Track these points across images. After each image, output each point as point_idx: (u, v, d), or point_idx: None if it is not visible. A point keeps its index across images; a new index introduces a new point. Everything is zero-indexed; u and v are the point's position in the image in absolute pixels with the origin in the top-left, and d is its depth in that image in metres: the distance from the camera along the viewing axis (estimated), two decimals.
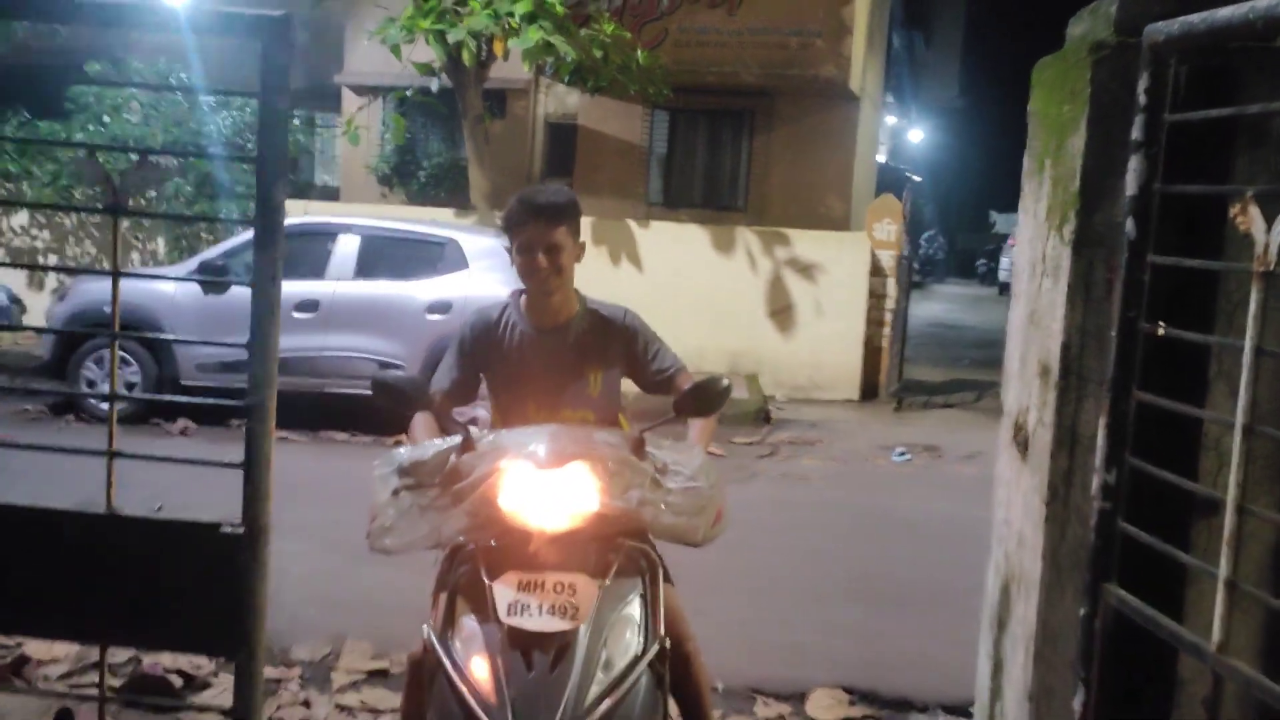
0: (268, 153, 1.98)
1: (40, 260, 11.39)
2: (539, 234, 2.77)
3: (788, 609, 5.01)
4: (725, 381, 2.61)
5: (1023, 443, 2.29)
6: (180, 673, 3.89)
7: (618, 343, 2.96)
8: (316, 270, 8.40)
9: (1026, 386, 2.30)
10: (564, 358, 2.89)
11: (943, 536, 6.33)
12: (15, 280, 11.83)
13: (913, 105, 29.08)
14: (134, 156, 2.19)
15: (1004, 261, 30.47)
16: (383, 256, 8.51)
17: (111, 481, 2.08)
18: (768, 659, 4.40)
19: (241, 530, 1.98)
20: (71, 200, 11.29)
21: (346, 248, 8.40)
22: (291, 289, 8.30)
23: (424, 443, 2.63)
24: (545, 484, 2.41)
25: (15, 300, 11.69)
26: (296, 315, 8.20)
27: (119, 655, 3.99)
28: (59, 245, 11.57)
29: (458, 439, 2.55)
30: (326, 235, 8.58)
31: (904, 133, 29.64)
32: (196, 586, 2.02)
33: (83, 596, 2.05)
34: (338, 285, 8.31)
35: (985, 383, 12.62)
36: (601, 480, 2.42)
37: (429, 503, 2.48)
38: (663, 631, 2.43)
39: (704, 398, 2.61)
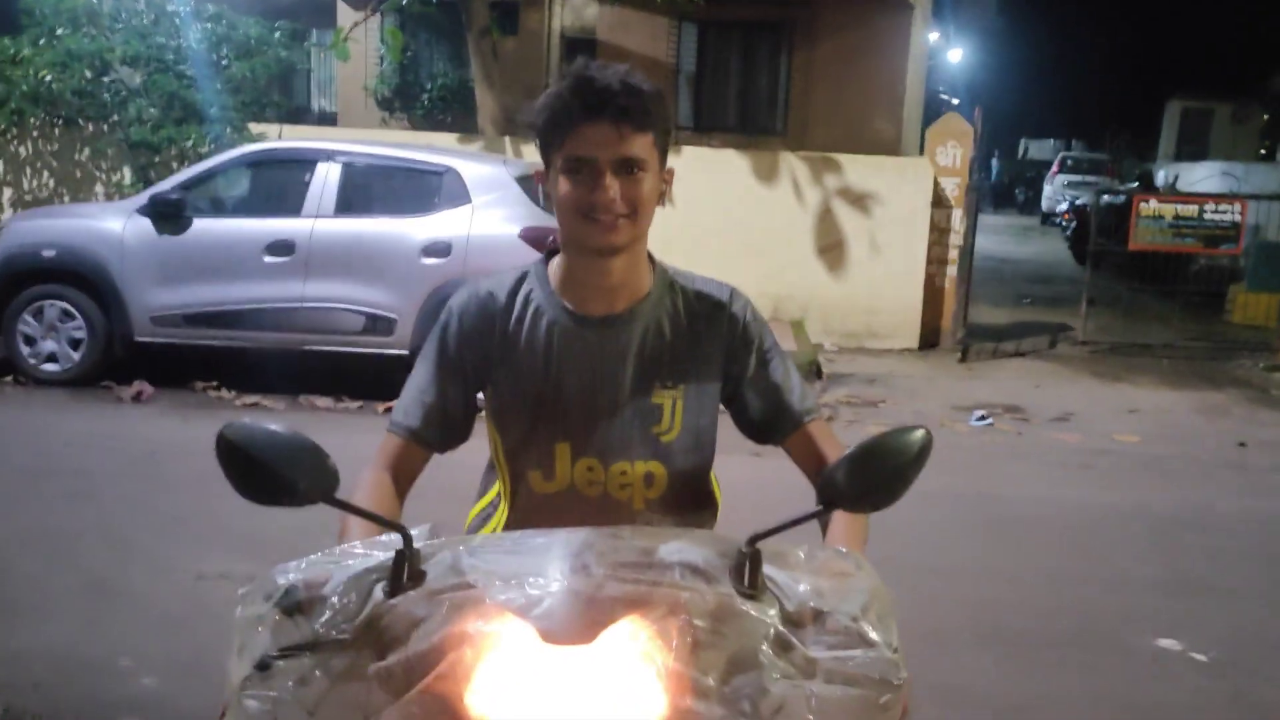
0: None
1: None
2: (609, 141, 1.50)
3: None
4: (921, 433, 1.28)
5: None
6: None
7: (717, 345, 1.68)
8: (292, 206, 7.03)
9: None
10: (621, 369, 1.64)
11: (1077, 535, 5.07)
12: None
13: (951, 23, 27.18)
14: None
15: (1047, 190, 29.05)
16: (369, 189, 7.15)
17: None
18: None
19: None
20: (27, 127, 9.94)
21: (326, 179, 7.02)
22: (262, 228, 7.00)
23: (334, 551, 1.31)
24: (562, 672, 1.14)
25: None
26: (268, 259, 6.89)
27: None
28: (14, 177, 10.25)
29: (389, 548, 1.25)
30: (302, 164, 7.18)
31: (941, 52, 27.77)
32: None
33: None
34: (316, 223, 6.94)
35: (1055, 325, 11.25)
36: (677, 657, 1.13)
37: (337, 680, 1.19)
38: None
39: (884, 470, 1.28)
